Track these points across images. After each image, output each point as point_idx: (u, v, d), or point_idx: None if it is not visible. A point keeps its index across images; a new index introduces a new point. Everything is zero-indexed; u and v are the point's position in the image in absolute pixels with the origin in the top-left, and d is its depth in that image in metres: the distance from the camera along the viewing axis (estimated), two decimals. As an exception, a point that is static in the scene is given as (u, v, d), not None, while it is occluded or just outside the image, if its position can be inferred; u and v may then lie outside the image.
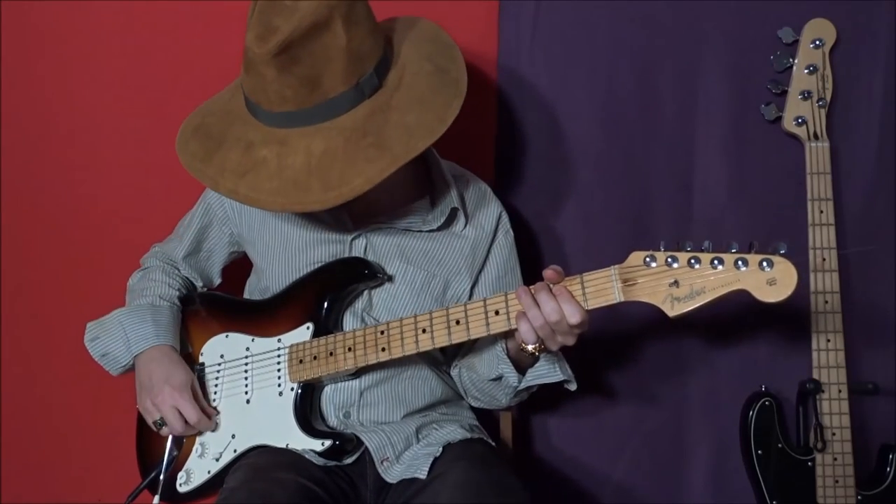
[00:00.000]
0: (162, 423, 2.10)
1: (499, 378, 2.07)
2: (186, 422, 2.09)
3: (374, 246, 2.16)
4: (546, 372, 2.03)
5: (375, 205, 2.15)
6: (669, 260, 1.73)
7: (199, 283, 2.38)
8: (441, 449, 2.02)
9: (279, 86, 1.87)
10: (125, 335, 2.16)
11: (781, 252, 1.69)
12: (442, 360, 2.27)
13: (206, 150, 1.98)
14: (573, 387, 2.06)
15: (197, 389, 2.14)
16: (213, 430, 2.16)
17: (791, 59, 2.44)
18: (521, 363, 2.03)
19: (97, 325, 2.23)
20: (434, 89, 1.97)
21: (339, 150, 1.89)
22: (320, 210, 1.94)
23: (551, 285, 1.82)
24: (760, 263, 1.68)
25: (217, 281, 2.41)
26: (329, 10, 1.85)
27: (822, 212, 2.41)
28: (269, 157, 1.91)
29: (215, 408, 2.17)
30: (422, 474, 1.97)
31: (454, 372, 2.25)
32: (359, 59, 1.92)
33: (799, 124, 2.43)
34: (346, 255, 2.17)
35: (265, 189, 1.90)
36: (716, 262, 1.70)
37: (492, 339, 2.06)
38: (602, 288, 1.79)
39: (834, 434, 2.40)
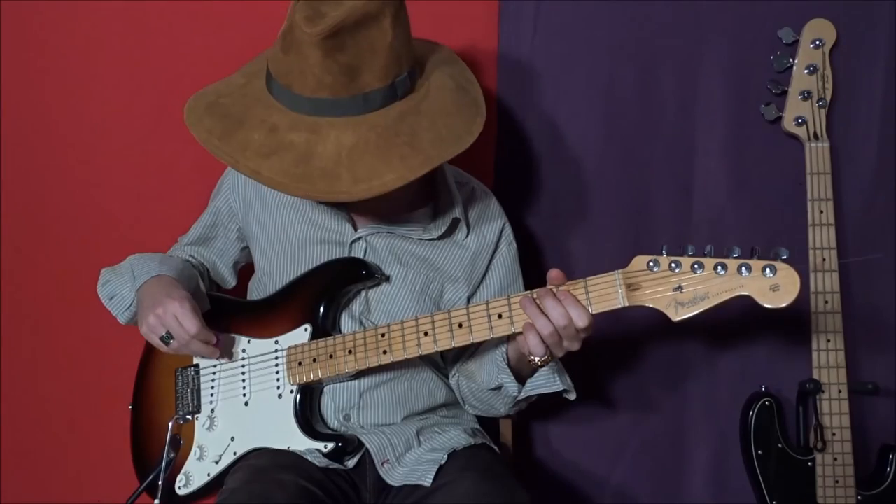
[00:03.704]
0: (168, 337, 2.03)
1: (498, 388, 2.08)
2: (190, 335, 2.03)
3: (373, 249, 2.16)
4: (546, 382, 2.03)
5: (378, 210, 2.15)
6: (673, 265, 1.74)
7: (210, 274, 2.38)
8: (446, 456, 2.02)
9: (320, 70, 1.85)
10: (132, 274, 2.15)
11: (783, 258, 1.69)
12: (443, 364, 2.27)
13: (225, 129, 1.94)
14: (572, 396, 2.06)
15: (198, 309, 2.07)
16: (210, 429, 2.16)
17: (791, 59, 2.44)
18: (521, 373, 2.03)
19: (110, 269, 2.24)
20: (458, 105, 2.00)
21: (371, 144, 1.88)
22: (346, 201, 1.93)
23: (555, 289, 1.82)
24: (763, 269, 1.69)
25: (231, 280, 2.40)
26: (381, 5, 1.86)
27: (822, 212, 2.41)
28: (298, 142, 1.88)
29: (212, 410, 2.16)
30: (426, 482, 1.98)
31: (452, 381, 2.24)
32: (398, 59, 1.92)
33: (799, 124, 2.43)
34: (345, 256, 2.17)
35: (291, 174, 1.87)
36: (719, 267, 1.71)
37: (492, 347, 2.07)
38: (606, 293, 1.79)
39: (834, 434, 2.40)
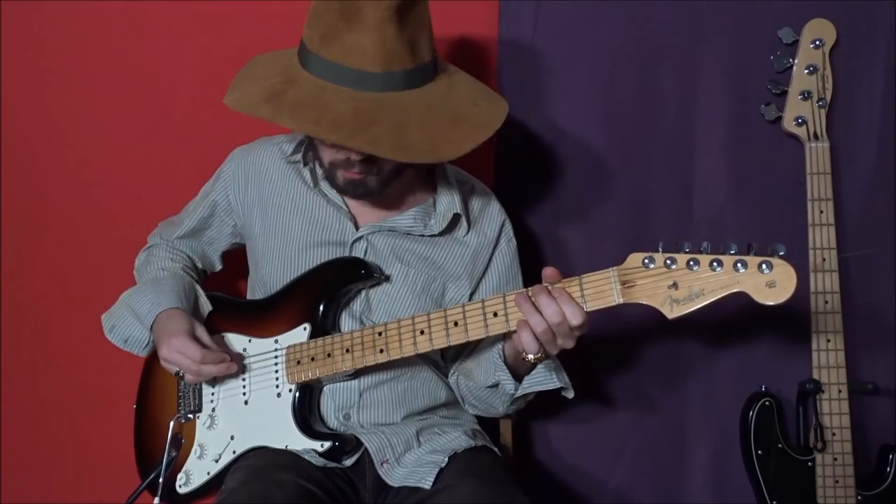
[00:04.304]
0: (180, 373, 2.09)
1: (495, 385, 2.07)
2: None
3: (375, 248, 2.17)
4: (543, 379, 2.02)
5: (378, 207, 2.18)
6: (668, 261, 1.72)
7: (198, 265, 2.39)
8: (447, 459, 2.02)
9: (393, 43, 1.92)
10: (134, 314, 2.16)
11: (780, 254, 1.67)
12: (443, 364, 2.27)
13: (316, 116, 1.93)
14: (570, 395, 2.05)
15: (201, 335, 2.10)
16: (214, 425, 2.17)
17: (791, 59, 2.44)
18: (518, 370, 2.03)
19: (108, 314, 2.24)
20: (477, 81, 2.17)
21: (447, 108, 2.00)
22: (450, 159, 2.00)
23: (550, 287, 1.82)
24: (760, 266, 1.67)
25: (218, 266, 2.43)
26: None
27: (822, 212, 2.41)
28: (383, 118, 1.92)
29: (213, 409, 2.17)
30: (426, 484, 1.98)
31: (451, 379, 2.24)
32: (432, 35, 2.04)
33: (799, 124, 2.43)
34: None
35: (394, 144, 1.91)
36: (714, 263, 1.69)
37: (489, 345, 2.06)
38: (601, 290, 1.78)
39: (834, 434, 2.40)
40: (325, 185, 2.19)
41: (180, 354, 2.04)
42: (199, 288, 2.26)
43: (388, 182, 2.08)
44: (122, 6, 2.57)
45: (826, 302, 2.40)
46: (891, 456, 2.41)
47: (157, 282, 2.23)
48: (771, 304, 1.67)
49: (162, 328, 2.09)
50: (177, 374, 2.09)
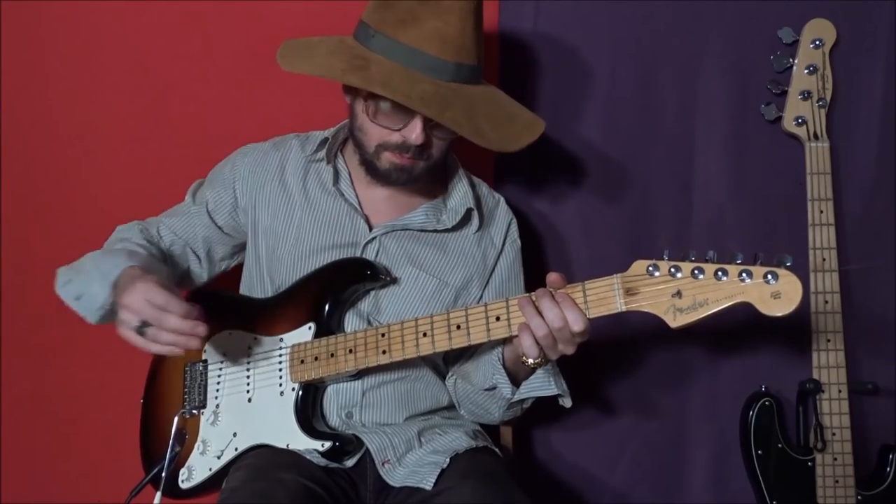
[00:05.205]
0: (143, 325, 1.86)
1: (493, 388, 2.07)
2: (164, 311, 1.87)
3: (387, 250, 2.17)
4: (540, 385, 2.02)
5: (392, 206, 2.20)
6: (673, 270, 1.70)
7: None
8: (448, 460, 2.01)
9: (469, 37, 2.01)
10: (99, 271, 2.02)
11: (787, 265, 1.64)
12: (445, 368, 2.27)
13: (407, 89, 1.97)
14: (567, 403, 2.04)
15: (172, 288, 1.92)
16: (208, 421, 2.17)
17: (791, 59, 2.44)
18: (517, 375, 2.03)
19: (69, 268, 2.12)
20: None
21: (506, 102, 2.15)
22: (514, 149, 2.09)
23: (553, 291, 1.82)
24: (765, 276, 1.64)
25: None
26: None
27: (822, 212, 2.41)
28: (457, 105, 1.99)
29: (217, 405, 2.16)
30: (427, 485, 1.97)
31: (449, 382, 2.24)
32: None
33: (799, 124, 2.44)
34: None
35: (465, 126, 1.99)
36: (720, 273, 1.67)
37: (489, 349, 2.07)
38: (604, 296, 1.77)
39: (834, 434, 2.41)
40: (343, 185, 2.21)
41: (145, 300, 1.85)
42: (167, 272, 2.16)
43: (427, 171, 2.13)
44: (122, 6, 2.56)
45: (826, 302, 2.41)
46: (891, 456, 2.42)
47: (132, 252, 2.11)
48: (776, 315, 1.65)
49: (127, 279, 1.93)
50: (137, 328, 1.85)
